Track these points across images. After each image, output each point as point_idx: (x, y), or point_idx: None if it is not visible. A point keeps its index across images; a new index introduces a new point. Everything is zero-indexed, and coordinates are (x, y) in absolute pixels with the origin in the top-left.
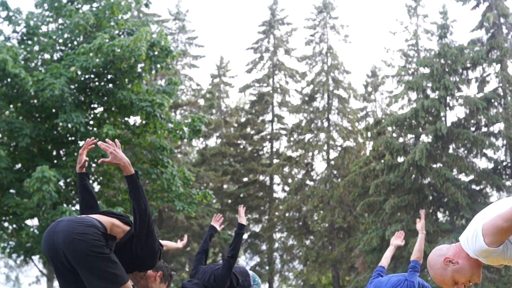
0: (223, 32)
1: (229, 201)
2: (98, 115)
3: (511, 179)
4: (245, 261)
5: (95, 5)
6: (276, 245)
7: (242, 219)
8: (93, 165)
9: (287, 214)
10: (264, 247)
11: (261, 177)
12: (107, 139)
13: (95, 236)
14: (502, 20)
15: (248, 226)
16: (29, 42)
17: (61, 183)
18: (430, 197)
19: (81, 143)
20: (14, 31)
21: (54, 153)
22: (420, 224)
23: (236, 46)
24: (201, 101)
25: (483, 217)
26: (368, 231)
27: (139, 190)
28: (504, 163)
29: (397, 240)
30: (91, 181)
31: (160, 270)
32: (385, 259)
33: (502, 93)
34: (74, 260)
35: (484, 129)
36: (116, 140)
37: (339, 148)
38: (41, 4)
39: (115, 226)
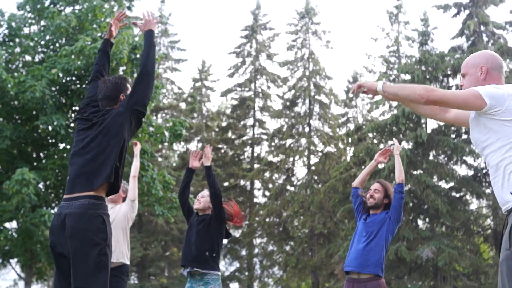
0: (205, 36)
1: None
2: None
3: (491, 186)
4: (224, 266)
5: (77, 7)
6: (256, 250)
7: (208, 160)
8: None
9: (267, 220)
10: (244, 252)
11: (242, 182)
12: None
13: (100, 234)
14: (482, 28)
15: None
16: (11, 43)
17: (41, 185)
18: (410, 204)
19: (61, 145)
20: None
21: (34, 155)
22: (395, 148)
23: (218, 50)
24: (183, 105)
25: None
26: (348, 238)
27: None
28: (484, 171)
29: (381, 157)
30: None
31: (121, 93)
32: (361, 176)
33: None
34: (72, 250)
35: (464, 136)
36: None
37: (320, 154)
38: (23, 6)
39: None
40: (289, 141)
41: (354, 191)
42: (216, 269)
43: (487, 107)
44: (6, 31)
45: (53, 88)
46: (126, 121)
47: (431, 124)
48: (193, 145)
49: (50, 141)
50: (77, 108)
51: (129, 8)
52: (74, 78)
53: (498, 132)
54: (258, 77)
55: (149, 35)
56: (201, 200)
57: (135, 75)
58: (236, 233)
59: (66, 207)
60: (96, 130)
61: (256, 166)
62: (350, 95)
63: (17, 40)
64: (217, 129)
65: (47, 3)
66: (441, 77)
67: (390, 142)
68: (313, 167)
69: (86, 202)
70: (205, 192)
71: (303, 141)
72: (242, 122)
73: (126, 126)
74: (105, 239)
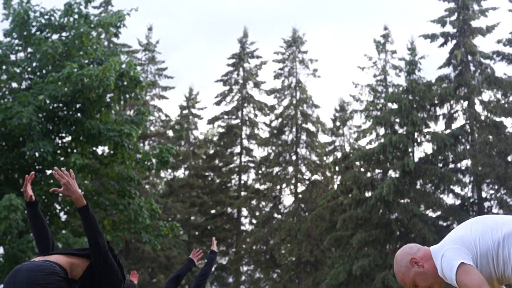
0: (192, 63)
1: (196, 233)
2: (66, 144)
3: (478, 215)
4: None
5: (64, 34)
6: (243, 278)
7: (214, 247)
8: (60, 194)
9: (254, 247)
10: (230, 279)
11: (229, 209)
12: (62, 169)
13: (57, 285)
14: (469, 57)
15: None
16: None
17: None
18: (398, 232)
19: (48, 172)
20: None
21: (21, 181)
22: None
23: (206, 78)
24: (170, 132)
25: (462, 240)
26: (335, 266)
27: (91, 221)
28: (471, 200)
29: None
30: (58, 211)
31: None
32: None
33: (469, 130)
34: None
35: (451, 166)
36: (71, 170)
37: (307, 182)
38: (10, 33)
39: (74, 266)
40: (276, 169)
41: None
42: None
43: (471, 262)
44: None
45: (40, 115)
46: None
47: (418, 153)
48: (180, 173)
49: (37, 167)
50: (63, 134)
51: (115, 35)
52: (61, 105)
53: (484, 254)
54: (245, 105)
55: (83, 213)
56: None
57: (122, 102)
58: (223, 261)
59: None
60: None
61: (243, 193)
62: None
63: (3, 67)
64: (204, 157)
65: (33, 30)
66: (428, 106)
67: (377, 171)
68: (300, 195)
69: None
70: None
71: (290, 169)
72: (229, 150)
73: None
74: None
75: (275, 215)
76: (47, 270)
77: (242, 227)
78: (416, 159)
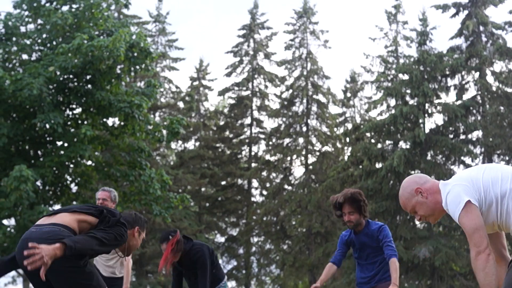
0: (203, 35)
1: (207, 204)
2: (76, 116)
3: None
4: (222, 264)
5: (74, 6)
6: (253, 249)
7: None
8: (71, 166)
9: (264, 218)
10: (241, 251)
11: (239, 181)
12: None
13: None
14: (481, 28)
15: (225, 230)
16: (8, 42)
17: (39, 183)
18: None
19: (59, 143)
20: None
21: (32, 153)
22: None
23: (216, 49)
24: (180, 104)
25: (476, 180)
26: None
27: (82, 251)
28: None
29: None
30: (68, 182)
31: (136, 225)
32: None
33: (480, 101)
34: (49, 275)
35: (462, 137)
36: (35, 244)
37: (318, 153)
38: (20, 5)
39: (81, 222)
40: (286, 141)
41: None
42: (221, 279)
43: (475, 202)
44: (3, 30)
45: (50, 86)
46: None
47: (429, 124)
48: (191, 144)
49: (47, 138)
50: (74, 106)
51: (126, 6)
52: (71, 76)
53: (491, 201)
54: (256, 76)
55: (72, 251)
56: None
57: (132, 73)
58: (234, 232)
59: None
60: None
61: (253, 165)
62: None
63: (13, 38)
64: (214, 128)
65: (43, 1)
66: (439, 77)
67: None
68: (310, 167)
69: None
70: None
71: (301, 140)
72: (239, 121)
73: None
74: None
75: (286, 186)
76: (57, 236)
77: (253, 199)
78: (427, 130)
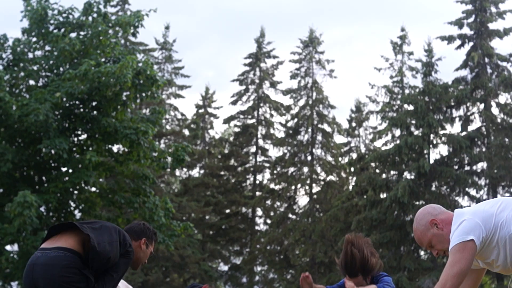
0: (209, 62)
1: (211, 232)
2: (81, 142)
3: None
4: None
5: (82, 33)
6: (257, 278)
7: None
8: (75, 192)
9: (268, 247)
10: (244, 279)
11: (244, 209)
12: None
13: (74, 279)
14: (486, 60)
15: (229, 258)
16: (15, 68)
17: (42, 209)
18: (412, 234)
19: (63, 169)
20: (0, 58)
21: (36, 178)
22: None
23: (222, 77)
24: (186, 131)
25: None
26: None
27: None
28: None
29: (303, 284)
30: (72, 208)
31: (143, 236)
32: None
33: (485, 133)
34: None
35: (467, 168)
36: None
37: (322, 183)
38: (28, 31)
39: (86, 241)
40: (291, 169)
41: None
42: None
43: (476, 241)
44: (11, 56)
45: (56, 112)
46: None
47: (434, 155)
48: (196, 172)
49: (52, 164)
50: (79, 132)
51: (133, 35)
52: (77, 102)
53: (500, 239)
54: (261, 104)
55: None
56: None
57: (138, 100)
58: (237, 261)
59: None
60: None
61: (258, 193)
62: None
63: (21, 64)
64: (219, 156)
65: (51, 28)
66: (444, 108)
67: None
68: (315, 196)
69: None
70: None
71: (305, 169)
72: (244, 150)
73: None
74: None
75: (290, 215)
76: (63, 262)
77: (257, 227)
78: (431, 161)
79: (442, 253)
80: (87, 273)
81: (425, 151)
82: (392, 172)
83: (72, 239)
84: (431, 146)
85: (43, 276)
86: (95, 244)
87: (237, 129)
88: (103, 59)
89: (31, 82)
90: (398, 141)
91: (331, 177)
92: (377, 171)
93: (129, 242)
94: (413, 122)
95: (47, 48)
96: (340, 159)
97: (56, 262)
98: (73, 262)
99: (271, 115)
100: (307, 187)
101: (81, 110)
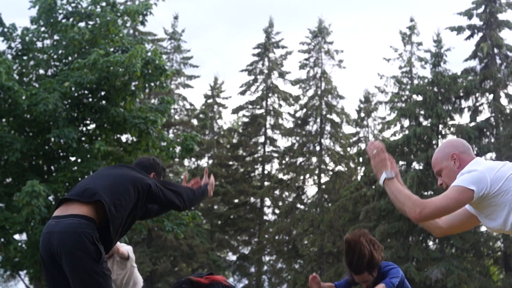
0: (218, 53)
1: (219, 222)
2: (90, 131)
3: None
4: (233, 283)
5: (91, 22)
6: (265, 268)
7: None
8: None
9: (276, 237)
10: (252, 269)
11: (252, 199)
12: None
13: (89, 250)
14: (495, 50)
15: (237, 248)
16: (24, 57)
17: (51, 198)
18: (421, 225)
19: (72, 158)
20: (9, 47)
21: (45, 168)
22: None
23: (231, 68)
24: (194, 121)
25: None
26: None
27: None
28: None
29: (312, 285)
30: None
31: (152, 171)
32: None
33: (494, 123)
34: (69, 273)
35: None
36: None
37: (331, 173)
38: (37, 20)
39: (98, 209)
40: (299, 159)
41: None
42: None
43: (476, 193)
44: (19, 45)
45: (65, 102)
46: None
47: None
48: (204, 162)
49: (61, 154)
50: (88, 121)
51: (142, 23)
52: (86, 92)
53: (501, 203)
54: (270, 95)
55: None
56: None
57: (147, 90)
58: (245, 250)
59: None
60: None
61: (266, 183)
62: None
63: (30, 54)
64: (228, 146)
65: (60, 17)
66: (453, 99)
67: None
68: (323, 186)
69: None
70: None
71: (314, 159)
72: (253, 140)
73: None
74: None
75: (298, 205)
76: (78, 229)
77: (265, 217)
78: None
79: (445, 186)
80: (99, 243)
81: (434, 142)
82: (400, 163)
83: (85, 206)
84: (439, 136)
85: (60, 243)
86: (110, 208)
87: (245, 119)
88: (111, 49)
89: (41, 71)
90: (406, 132)
91: (340, 167)
92: None
93: (147, 181)
94: (422, 112)
95: (56, 37)
96: (348, 149)
97: (72, 229)
98: (89, 229)
99: (280, 105)
100: (315, 177)
101: (90, 99)
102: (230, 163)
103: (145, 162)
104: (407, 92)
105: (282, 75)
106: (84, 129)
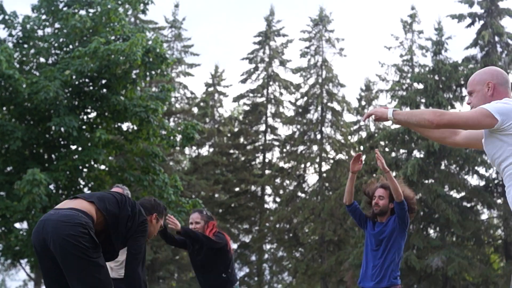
0: (218, 41)
1: (220, 210)
2: (91, 120)
3: (502, 197)
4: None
5: (91, 10)
6: (266, 256)
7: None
8: (85, 170)
9: (277, 226)
10: (253, 258)
11: (253, 188)
12: None
13: (83, 238)
14: (496, 38)
15: (238, 237)
16: (25, 45)
17: (52, 187)
18: (421, 213)
19: (73, 147)
20: (10, 35)
21: (46, 156)
22: (380, 163)
23: (231, 56)
24: (195, 110)
25: None
26: (358, 245)
27: None
28: (496, 181)
29: (355, 165)
30: (81, 186)
31: (154, 212)
32: (347, 193)
33: None
34: (62, 261)
35: None
36: None
37: (332, 161)
38: (38, 8)
39: (98, 213)
40: (300, 148)
41: (350, 208)
42: (233, 282)
43: (498, 123)
44: (20, 33)
45: (66, 90)
46: None
47: None
48: (205, 150)
49: (62, 142)
50: (89, 110)
51: (143, 12)
52: (87, 80)
53: (510, 143)
54: (271, 83)
55: None
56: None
57: (148, 78)
58: (246, 239)
59: None
60: None
61: (267, 172)
62: (361, 122)
63: (31, 42)
64: (229, 135)
65: (61, 6)
66: (454, 87)
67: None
68: (324, 174)
69: None
70: (196, 215)
71: (315, 148)
72: (254, 128)
73: None
74: None
75: (299, 193)
76: (75, 220)
77: (266, 205)
78: None
79: (471, 107)
80: (93, 233)
81: None
82: (401, 151)
83: (86, 204)
84: None
85: (53, 232)
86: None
87: (246, 108)
88: (112, 37)
89: (41, 59)
90: None
91: (341, 156)
92: (387, 149)
93: (140, 209)
94: (423, 100)
95: (57, 25)
96: (349, 137)
97: (68, 220)
98: (85, 222)
99: (281, 94)
100: (316, 166)
101: (91, 88)
102: (231, 151)
103: (146, 203)
104: (408, 80)
105: (283, 63)
106: (85, 117)
